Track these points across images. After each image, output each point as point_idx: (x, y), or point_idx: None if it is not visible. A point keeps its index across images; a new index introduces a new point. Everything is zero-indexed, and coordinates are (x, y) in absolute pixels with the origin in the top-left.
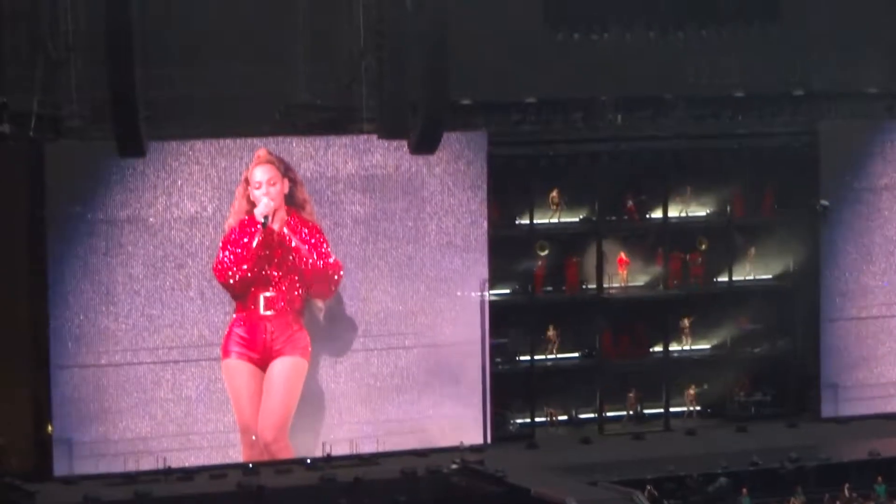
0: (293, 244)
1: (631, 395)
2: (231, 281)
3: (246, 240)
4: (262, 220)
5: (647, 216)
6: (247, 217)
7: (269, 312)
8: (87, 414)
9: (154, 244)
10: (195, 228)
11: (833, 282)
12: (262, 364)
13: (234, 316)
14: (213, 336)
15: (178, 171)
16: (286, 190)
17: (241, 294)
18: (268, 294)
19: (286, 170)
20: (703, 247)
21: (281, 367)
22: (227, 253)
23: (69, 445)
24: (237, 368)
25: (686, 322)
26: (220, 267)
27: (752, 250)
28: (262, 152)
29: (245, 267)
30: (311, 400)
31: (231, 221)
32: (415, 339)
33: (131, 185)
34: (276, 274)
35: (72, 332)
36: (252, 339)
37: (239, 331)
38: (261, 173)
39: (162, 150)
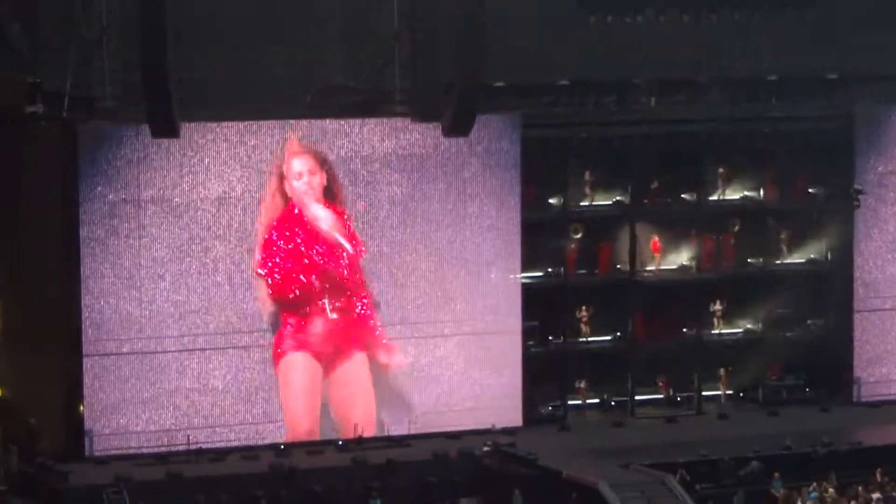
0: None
1: (661, 382)
2: (291, 296)
3: (295, 247)
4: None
5: (682, 197)
6: (280, 217)
7: (333, 316)
8: (107, 405)
9: (180, 226)
10: (223, 209)
11: (854, 270)
12: (326, 360)
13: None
14: (242, 323)
15: (205, 148)
16: (325, 182)
17: (305, 306)
18: (336, 303)
19: (323, 161)
20: (736, 229)
21: (354, 363)
22: (277, 269)
23: (89, 438)
24: (296, 363)
25: (718, 305)
26: (275, 285)
27: (786, 234)
28: (293, 144)
29: (303, 280)
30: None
31: (263, 220)
32: (454, 327)
33: (156, 164)
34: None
35: (91, 318)
36: (315, 333)
37: (296, 322)
38: (299, 164)
39: (188, 126)
